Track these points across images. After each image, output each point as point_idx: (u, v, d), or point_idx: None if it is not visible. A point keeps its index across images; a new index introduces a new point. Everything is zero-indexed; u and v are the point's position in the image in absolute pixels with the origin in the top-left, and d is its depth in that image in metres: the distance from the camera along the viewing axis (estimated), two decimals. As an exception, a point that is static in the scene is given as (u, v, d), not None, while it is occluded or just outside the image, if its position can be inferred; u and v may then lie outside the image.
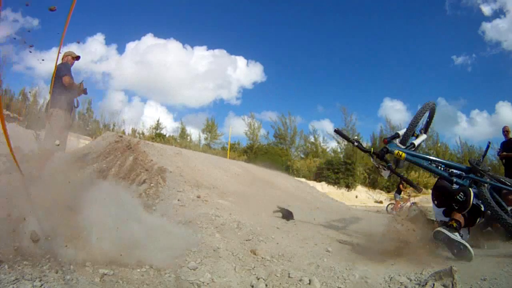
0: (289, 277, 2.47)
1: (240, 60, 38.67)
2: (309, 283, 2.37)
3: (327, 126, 42.32)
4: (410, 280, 2.35)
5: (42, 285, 1.99)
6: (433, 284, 2.11)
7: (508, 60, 32.72)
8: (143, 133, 23.29)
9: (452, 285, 2.05)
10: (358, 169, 21.74)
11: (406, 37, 38.96)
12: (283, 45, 42.07)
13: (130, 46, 38.41)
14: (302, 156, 25.96)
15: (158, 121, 25.37)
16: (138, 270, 2.47)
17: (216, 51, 39.53)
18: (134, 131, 23.54)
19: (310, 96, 42.17)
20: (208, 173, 6.60)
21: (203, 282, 2.42)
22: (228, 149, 15.03)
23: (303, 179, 19.65)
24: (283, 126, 26.48)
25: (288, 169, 21.18)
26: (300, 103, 43.58)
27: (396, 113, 35.79)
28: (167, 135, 22.80)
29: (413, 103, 41.07)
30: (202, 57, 37.59)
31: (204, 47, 38.49)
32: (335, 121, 42.41)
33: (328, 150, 26.00)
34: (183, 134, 25.36)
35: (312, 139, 26.53)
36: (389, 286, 2.31)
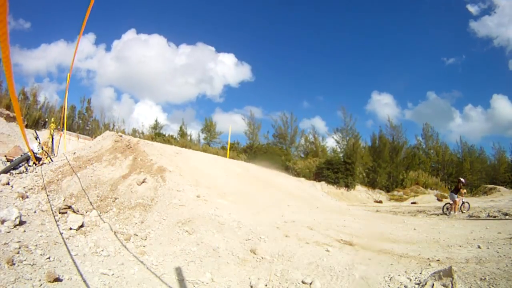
0: (289, 276, 2.47)
1: (229, 59, 38.27)
2: (309, 283, 2.37)
3: (319, 123, 42.13)
4: (410, 280, 2.35)
5: (41, 284, 1.99)
6: (433, 284, 2.11)
7: (501, 53, 32.56)
8: (142, 133, 23.28)
9: (452, 285, 2.05)
10: (357, 169, 21.72)
11: (395, 33, 38.57)
12: (270, 41, 41.29)
13: (116, 44, 37.47)
14: (302, 155, 25.94)
15: (156, 120, 25.41)
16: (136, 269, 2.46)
17: (201, 46, 39.10)
18: (134, 130, 23.53)
19: (297, 91, 41.30)
20: (208, 173, 6.59)
21: (203, 282, 2.42)
22: (228, 149, 14.99)
23: (302, 179, 19.63)
24: (284, 126, 26.48)
25: (288, 168, 21.17)
26: (285, 99, 42.76)
27: (384, 107, 35.28)
28: (165, 134, 22.80)
29: (402, 97, 40.57)
30: (187, 54, 37.38)
31: (192, 44, 38.36)
32: (327, 119, 42.12)
33: (328, 149, 25.99)
34: (182, 133, 25.37)
35: (312, 139, 26.53)
36: (389, 286, 2.31)
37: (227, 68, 36.42)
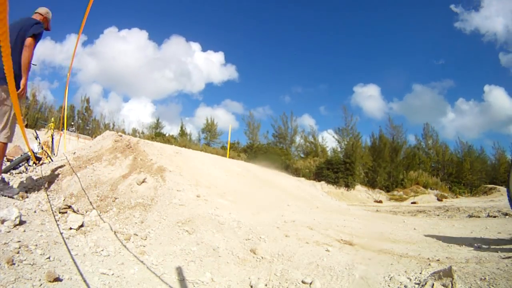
0: (289, 276, 2.47)
1: (217, 57, 38.20)
2: (309, 283, 2.37)
3: (309, 121, 42.04)
4: (410, 280, 2.35)
5: (41, 284, 1.99)
6: (433, 284, 2.11)
7: (490, 48, 32.48)
8: (143, 132, 23.30)
9: (452, 284, 2.05)
10: (357, 169, 21.73)
11: (381, 33, 38.50)
12: (251, 37, 41.24)
13: (99, 41, 37.22)
14: (302, 155, 25.91)
15: (158, 120, 25.45)
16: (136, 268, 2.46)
17: (183, 42, 38.86)
18: (134, 130, 23.58)
19: (279, 87, 41.11)
20: (208, 172, 6.59)
21: (203, 282, 2.42)
22: (228, 148, 15.01)
23: (302, 179, 19.65)
24: (284, 125, 26.47)
25: (288, 168, 21.18)
26: (266, 94, 42.47)
27: (369, 100, 34.89)
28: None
29: (387, 87, 40.21)
30: (169, 50, 37.43)
31: (174, 39, 38.38)
32: (316, 117, 42.02)
33: (328, 149, 25.96)
34: (182, 133, 25.39)
35: (311, 139, 26.49)
36: (389, 286, 2.31)
37: (212, 66, 36.45)
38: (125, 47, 34.77)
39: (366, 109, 35.41)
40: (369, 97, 34.81)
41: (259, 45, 41.05)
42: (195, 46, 38.19)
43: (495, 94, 32.07)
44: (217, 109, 36.46)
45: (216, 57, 38.21)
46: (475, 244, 3.34)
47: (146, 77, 36.48)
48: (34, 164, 5.72)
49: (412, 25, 37.07)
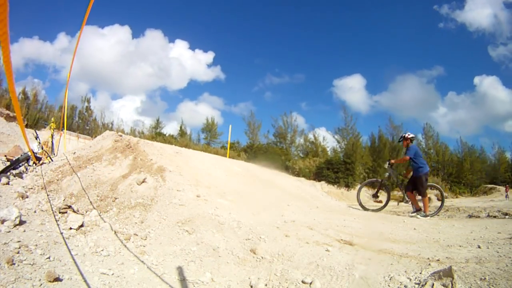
0: (289, 276, 2.47)
1: (204, 57, 38.19)
2: (309, 283, 2.37)
3: (298, 119, 41.92)
4: (410, 280, 2.35)
5: (41, 284, 1.99)
6: (433, 284, 2.11)
7: (480, 44, 32.25)
8: (143, 132, 23.27)
9: (452, 284, 2.05)
10: (357, 169, 21.73)
11: (367, 32, 38.35)
12: (237, 33, 41.23)
13: (86, 39, 36.91)
14: (302, 155, 25.90)
15: (158, 119, 25.41)
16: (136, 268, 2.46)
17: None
18: (133, 130, 23.53)
19: (260, 82, 41.23)
20: (208, 172, 6.59)
21: (203, 282, 2.43)
22: (228, 148, 14.99)
23: (302, 179, 19.63)
24: (284, 125, 26.48)
25: (288, 168, 21.16)
26: (248, 90, 42.37)
27: (351, 93, 34.31)
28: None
29: (371, 80, 39.56)
30: (151, 45, 37.50)
31: (158, 36, 38.57)
32: (307, 117, 42.04)
33: (328, 149, 25.95)
34: (182, 133, 25.38)
35: (312, 138, 26.50)
36: (389, 286, 2.31)
37: (199, 65, 36.30)
38: (107, 44, 34.78)
39: (350, 102, 35.18)
40: (350, 89, 34.39)
41: (244, 41, 41.22)
42: (182, 44, 38.12)
43: (487, 84, 31.76)
44: (199, 104, 36.45)
45: (204, 57, 38.22)
46: (475, 244, 3.34)
47: (129, 74, 36.56)
48: (34, 164, 5.72)
49: (396, 23, 36.93)
